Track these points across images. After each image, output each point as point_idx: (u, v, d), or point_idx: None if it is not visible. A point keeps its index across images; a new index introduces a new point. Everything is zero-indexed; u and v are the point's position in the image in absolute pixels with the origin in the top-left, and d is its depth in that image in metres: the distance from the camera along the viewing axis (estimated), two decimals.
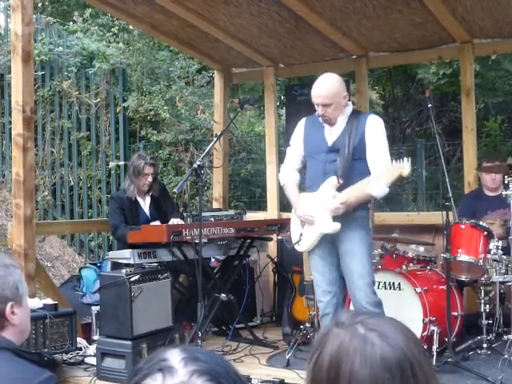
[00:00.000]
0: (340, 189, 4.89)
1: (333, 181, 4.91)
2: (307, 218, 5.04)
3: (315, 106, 5.05)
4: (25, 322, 2.47)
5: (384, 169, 4.76)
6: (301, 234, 5.13)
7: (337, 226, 4.88)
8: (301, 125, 5.36)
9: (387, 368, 1.38)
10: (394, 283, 5.74)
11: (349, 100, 5.18)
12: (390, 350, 1.40)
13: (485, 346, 5.64)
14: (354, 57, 7.83)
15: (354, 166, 4.95)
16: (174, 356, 1.32)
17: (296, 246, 5.24)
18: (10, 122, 7.67)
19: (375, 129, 5.05)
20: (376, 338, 1.42)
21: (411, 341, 1.44)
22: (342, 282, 5.18)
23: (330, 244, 5.04)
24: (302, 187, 5.36)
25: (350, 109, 5.14)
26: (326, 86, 5.02)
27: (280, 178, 5.45)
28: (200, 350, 1.39)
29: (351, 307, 5.29)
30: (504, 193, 5.68)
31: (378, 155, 4.96)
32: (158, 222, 6.53)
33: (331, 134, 5.08)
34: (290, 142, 5.44)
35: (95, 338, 5.76)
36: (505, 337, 5.50)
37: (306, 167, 5.34)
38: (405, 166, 4.58)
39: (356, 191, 4.83)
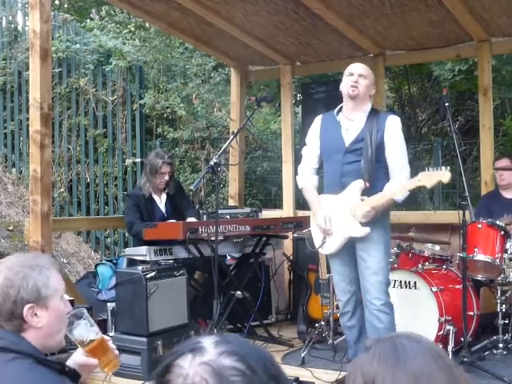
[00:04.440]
0: (366, 192, 4.87)
1: (359, 184, 4.87)
2: (326, 229, 4.99)
3: (349, 77, 5.02)
4: (52, 325, 2.43)
5: (413, 179, 4.78)
6: (324, 238, 5.07)
7: (367, 230, 4.84)
8: (317, 122, 5.29)
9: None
10: (409, 282, 5.73)
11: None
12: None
13: (501, 345, 5.62)
14: (371, 55, 7.81)
15: (377, 168, 4.91)
16: (208, 339, 1.36)
17: (320, 250, 5.22)
18: (28, 119, 7.70)
19: (394, 130, 5.00)
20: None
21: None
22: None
23: (348, 244, 5.02)
24: (321, 187, 5.32)
25: (369, 106, 5.11)
26: (365, 66, 5.15)
27: (298, 181, 5.38)
28: (236, 336, 1.42)
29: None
30: None
31: (399, 160, 4.96)
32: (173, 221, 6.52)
33: (348, 134, 5.02)
34: (306, 140, 5.37)
35: (111, 334, 5.77)
36: None
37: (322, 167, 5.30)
38: (445, 173, 4.60)
39: (386, 197, 4.81)
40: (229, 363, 1.29)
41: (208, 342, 1.35)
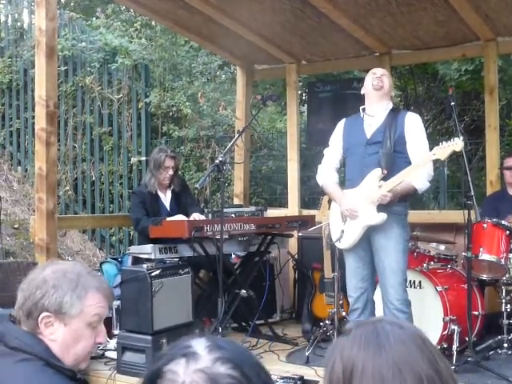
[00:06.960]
0: (384, 180, 4.94)
1: (377, 172, 4.96)
2: (353, 213, 5.04)
3: (371, 76, 5.26)
4: (67, 344, 2.33)
5: (428, 154, 4.92)
6: (342, 231, 5.13)
7: (383, 216, 4.91)
8: (340, 124, 5.47)
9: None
10: (414, 281, 5.73)
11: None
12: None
13: (505, 345, 5.60)
14: (377, 54, 7.80)
15: (396, 159, 5.01)
16: (199, 343, 1.33)
17: (337, 244, 5.24)
18: (33, 117, 7.71)
19: (415, 125, 5.17)
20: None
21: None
22: (373, 279, 5.21)
23: (364, 240, 5.06)
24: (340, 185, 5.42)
25: (390, 105, 5.29)
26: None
27: (318, 178, 5.48)
28: (225, 339, 1.39)
29: (377, 292, 5.31)
30: None
31: (420, 148, 5.07)
32: (181, 216, 6.52)
33: (371, 127, 5.17)
34: (329, 142, 5.49)
35: (115, 332, 5.78)
36: None
37: (344, 165, 5.42)
38: (457, 142, 4.74)
39: (403, 177, 4.89)
40: (224, 371, 1.26)
41: (200, 347, 1.31)
